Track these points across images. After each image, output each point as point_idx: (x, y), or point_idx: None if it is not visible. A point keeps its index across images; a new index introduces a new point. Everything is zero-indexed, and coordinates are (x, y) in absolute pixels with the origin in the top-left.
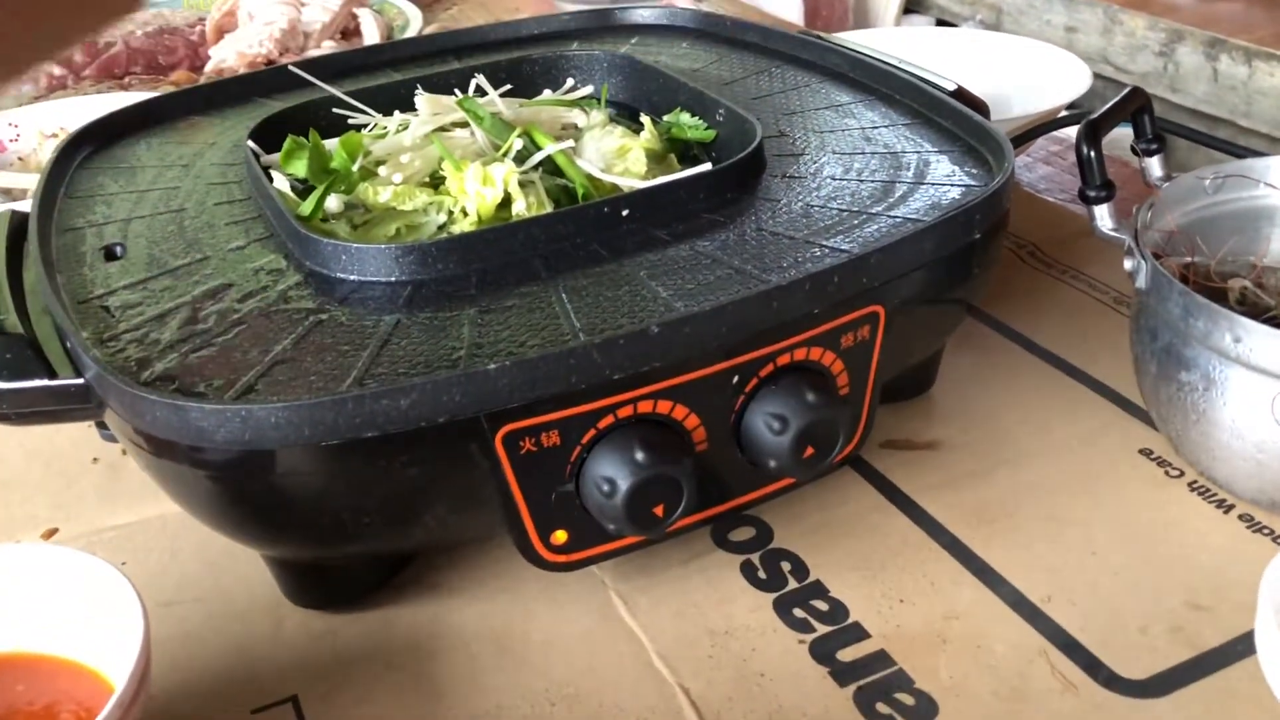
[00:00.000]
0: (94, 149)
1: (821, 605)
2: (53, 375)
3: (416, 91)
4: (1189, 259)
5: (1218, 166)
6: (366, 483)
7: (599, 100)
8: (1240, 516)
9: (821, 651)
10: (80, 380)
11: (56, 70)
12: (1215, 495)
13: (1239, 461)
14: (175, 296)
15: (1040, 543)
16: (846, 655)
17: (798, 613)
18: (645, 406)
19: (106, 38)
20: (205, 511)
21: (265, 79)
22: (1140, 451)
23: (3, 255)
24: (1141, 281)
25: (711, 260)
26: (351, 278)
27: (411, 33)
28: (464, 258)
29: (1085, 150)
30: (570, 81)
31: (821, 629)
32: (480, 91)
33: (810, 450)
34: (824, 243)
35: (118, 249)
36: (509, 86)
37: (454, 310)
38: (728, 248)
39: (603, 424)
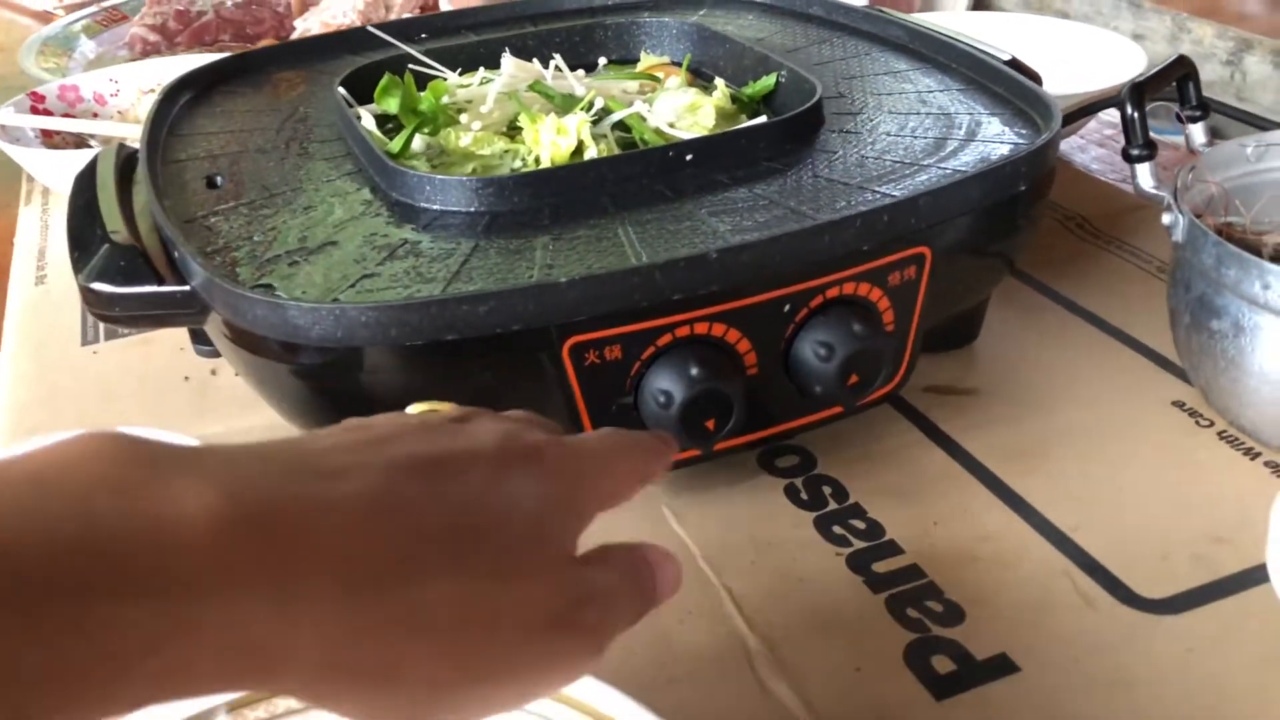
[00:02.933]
0: (194, 95)
1: (859, 524)
2: (161, 281)
3: (503, 52)
4: (1227, 219)
5: (1260, 135)
6: (444, 384)
7: (680, 66)
8: (1266, 463)
9: (858, 563)
10: (186, 286)
11: (151, 36)
12: (1243, 444)
13: (1265, 407)
14: (271, 219)
15: (1070, 479)
16: (881, 567)
17: (836, 529)
18: (701, 328)
19: (199, 6)
20: (295, 409)
21: (351, 37)
22: (1173, 403)
23: (114, 180)
24: (1178, 235)
25: (768, 202)
26: (434, 207)
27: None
28: (538, 192)
29: (1130, 111)
30: (644, 48)
31: (858, 544)
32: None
33: (854, 379)
34: (876, 189)
35: (218, 179)
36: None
37: (527, 238)
38: (784, 191)
39: (661, 341)
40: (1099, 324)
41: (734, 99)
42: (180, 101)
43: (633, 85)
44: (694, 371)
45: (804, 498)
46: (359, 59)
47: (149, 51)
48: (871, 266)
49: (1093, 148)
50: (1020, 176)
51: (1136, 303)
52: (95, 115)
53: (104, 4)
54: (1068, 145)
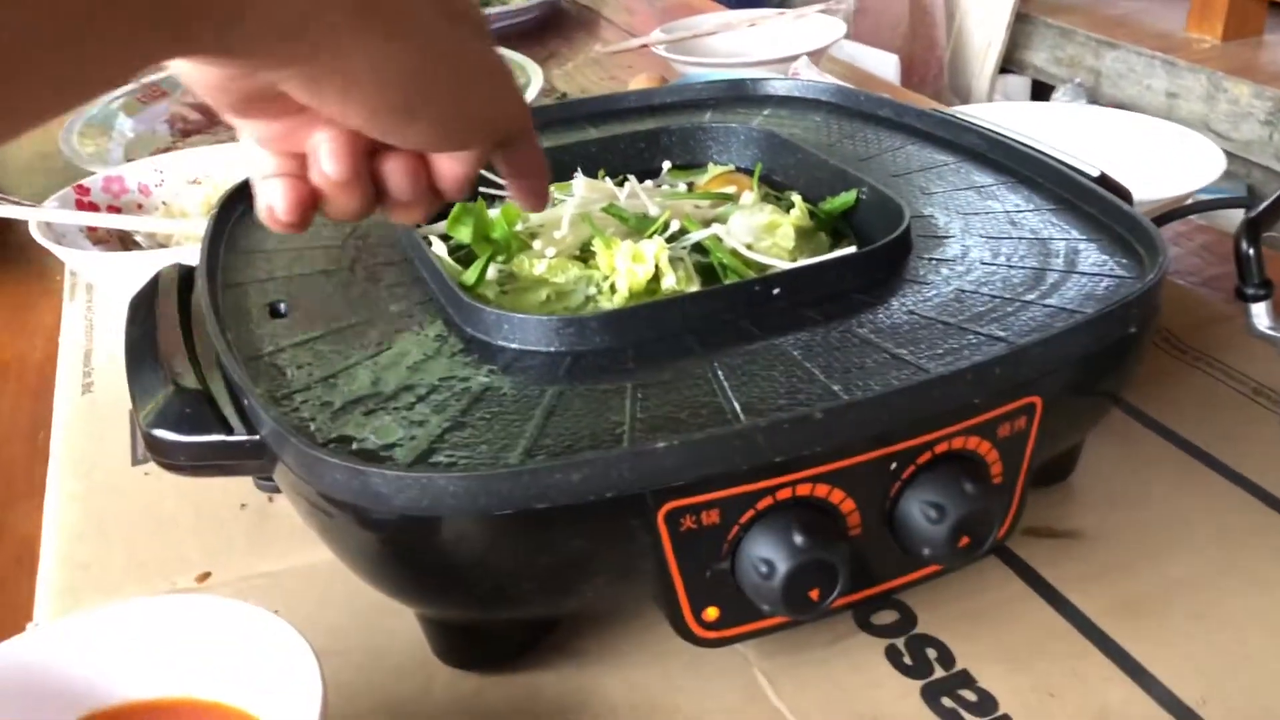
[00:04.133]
0: (249, 205)
1: (970, 695)
2: (228, 430)
3: (575, 172)
4: None
5: None
6: (532, 552)
7: (750, 174)
8: None
9: None
10: (255, 436)
11: (191, 115)
12: None
13: None
14: (344, 358)
15: (1191, 641)
16: None
17: (946, 702)
18: (804, 490)
19: None
20: (370, 571)
21: None
22: None
23: (175, 306)
24: None
25: (863, 342)
26: (513, 346)
27: (532, 91)
28: (621, 331)
29: (1244, 247)
30: (711, 155)
31: None
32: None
33: (965, 540)
34: (979, 329)
35: (281, 306)
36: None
37: (613, 383)
38: (880, 331)
39: (762, 505)
40: (1200, 456)
41: (811, 215)
42: (236, 214)
43: (704, 201)
44: (797, 539)
45: (908, 662)
46: None
47: (189, 131)
48: (982, 420)
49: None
50: (1131, 318)
51: (1237, 431)
52: (140, 207)
53: (142, 80)
54: None
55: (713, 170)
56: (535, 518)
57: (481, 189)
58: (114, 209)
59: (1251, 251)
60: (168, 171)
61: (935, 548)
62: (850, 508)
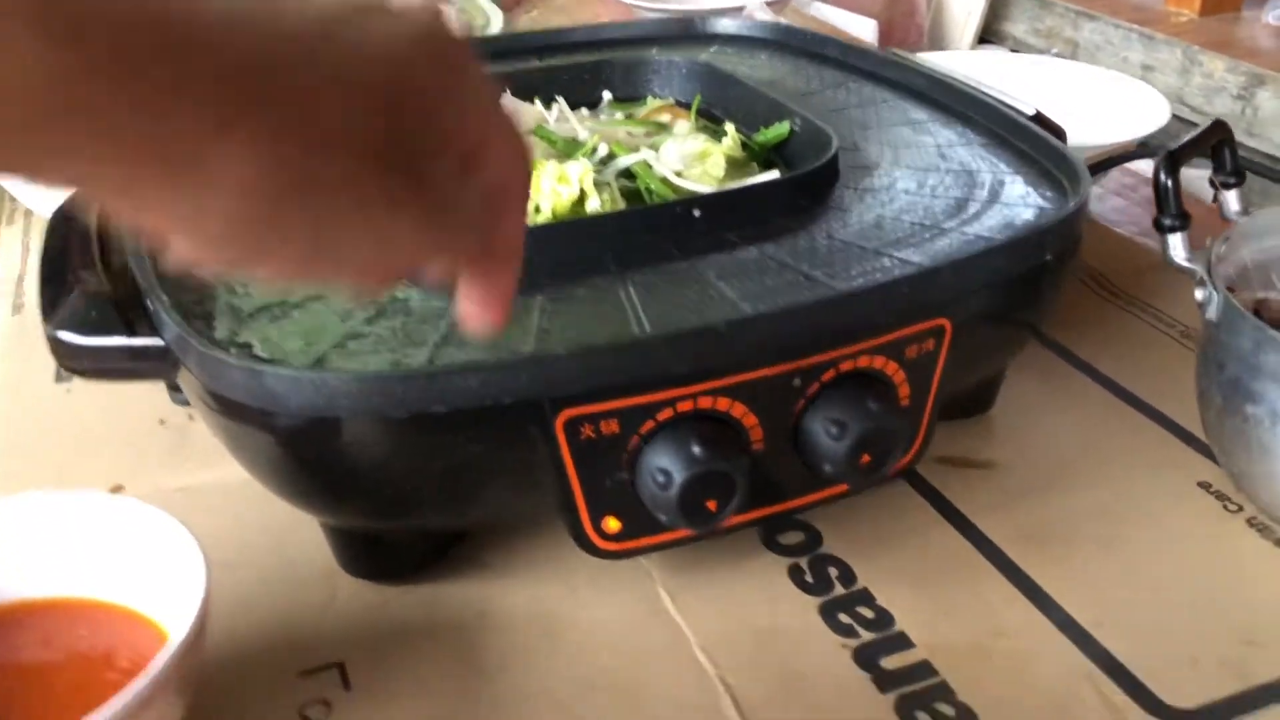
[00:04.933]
0: None
1: (868, 612)
2: (132, 334)
3: (503, 93)
4: (1262, 294)
5: None
6: (429, 457)
7: (689, 108)
8: None
9: (865, 658)
10: (159, 340)
11: None
12: (1274, 533)
13: None
14: None
15: (1093, 568)
16: (890, 663)
17: (843, 618)
18: (705, 402)
19: None
20: (269, 475)
21: None
22: (1199, 484)
23: (95, 222)
24: (1212, 313)
25: (780, 265)
26: None
27: (492, 33)
28: (538, 247)
29: (1164, 179)
30: (652, 88)
31: (866, 635)
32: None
33: (866, 458)
34: (894, 254)
35: None
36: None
37: (524, 296)
38: (797, 253)
39: (662, 416)
40: (1121, 394)
41: (744, 146)
42: None
43: (639, 129)
44: (695, 450)
45: (809, 580)
46: None
47: None
48: (888, 340)
49: (1111, 198)
50: (1047, 246)
51: (1161, 372)
52: None
53: None
54: None
55: (651, 103)
56: (432, 422)
57: None
58: None
59: (1169, 183)
60: None
61: (836, 464)
62: (753, 422)
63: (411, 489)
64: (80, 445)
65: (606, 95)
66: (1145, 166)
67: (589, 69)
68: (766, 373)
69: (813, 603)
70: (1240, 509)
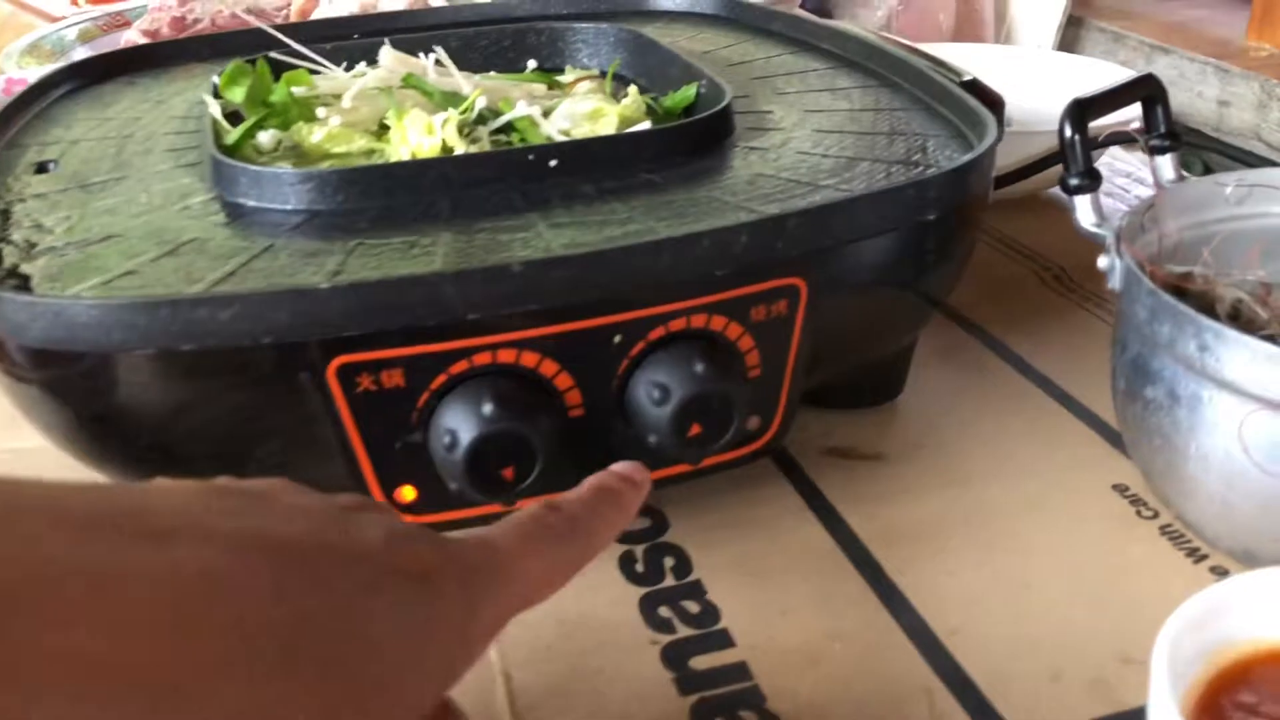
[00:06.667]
0: (87, 82)
1: (693, 607)
2: None
3: (383, 44)
4: (1190, 269)
5: (1243, 173)
6: (186, 403)
7: (605, 75)
8: (1212, 568)
9: (673, 656)
10: None
11: (142, 40)
12: (1188, 542)
13: (1206, 499)
14: (73, 207)
15: (968, 571)
16: (701, 663)
17: (663, 611)
18: (507, 356)
19: (196, 14)
20: (32, 419)
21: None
22: (1114, 487)
23: None
24: (1115, 282)
25: (628, 218)
26: (250, 203)
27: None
28: (365, 191)
29: (1069, 133)
30: (578, 56)
31: (683, 631)
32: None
33: (697, 428)
34: (755, 207)
35: (50, 165)
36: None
37: (334, 241)
38: (652, 207)
39: (456, 369)
40: (1053, 391)
41: (652, 111)
42: (66, 88)
43: (540, 89)
44: (486, 409)
45: (639, 569)
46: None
47: None
48: (727, 297)
49: None
50: (928, 203)
51: (1099, 368)
52: None
53: (110, 9)
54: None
55: (571, 72)
56: (181, 361)
57: (273, 54)
58: None
59: (1076, 138)
60: None
61: (660, 434)
62: (568, 383)
63: (173, 441)
64: None
65: (531, 64)
66: (1125, 163)
67: (510, 37)
68: (578, 326)
69: (636, 593)
70: (1156, 515)
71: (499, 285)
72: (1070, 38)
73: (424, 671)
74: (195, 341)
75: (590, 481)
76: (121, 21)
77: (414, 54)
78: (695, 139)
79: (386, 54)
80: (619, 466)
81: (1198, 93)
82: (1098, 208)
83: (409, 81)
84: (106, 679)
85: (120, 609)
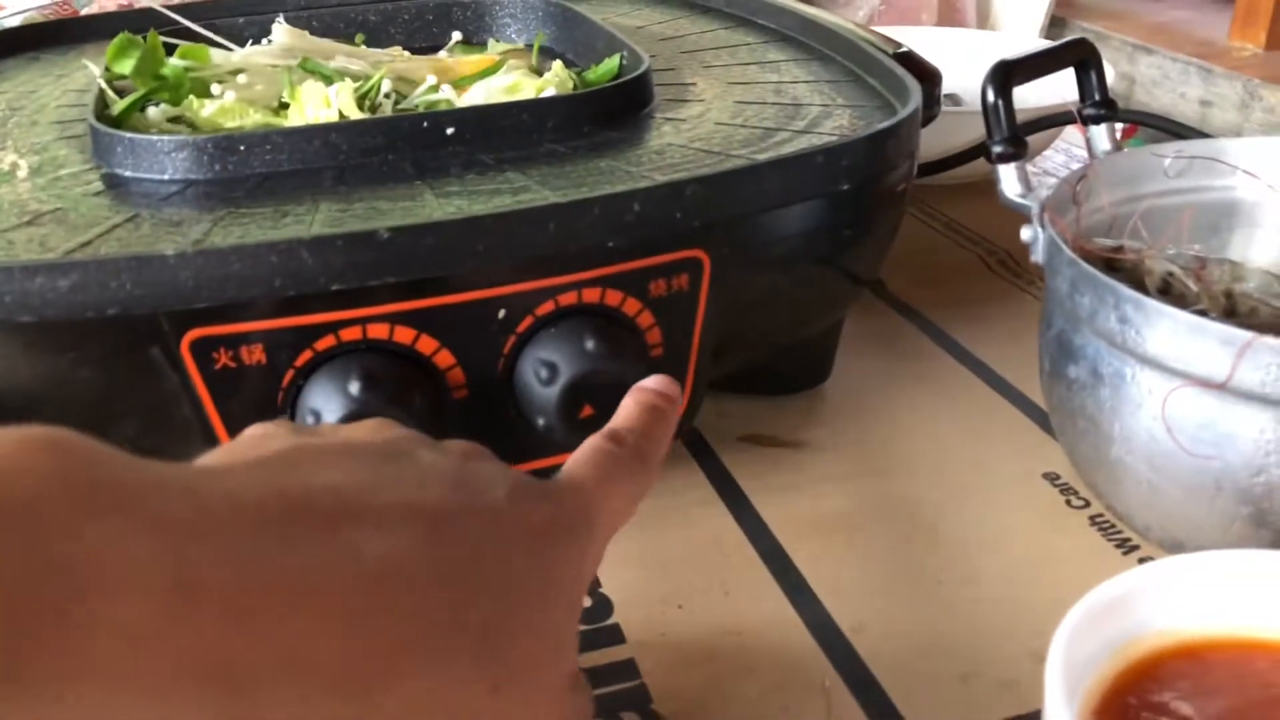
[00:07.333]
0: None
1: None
2: None
3: (276, 21)
4: (1121, 243)
5: (1181, 144)
6: (33, 378)
7: (530, 50)
8: (1141, 560)
9: None
10: None
11: None
12: (1119, 533)
13: (1132, 485)
14: None
15: (881, 564)
16: (588, 660)
17: None
18: (378, 331)
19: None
20: None
21: (192, 9)
22: (1044, 475)
23: None
24: (1038, 254)
25: (521, 187)
26: (126, 173)
27: None
28: (244, 160)
29: (992, 98)
30: (503, 31)
31: None
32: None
33: (589, 410)
34: (657, 176)
35: None
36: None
37: (204, 211)
38: (547, 176)
39: (321, 345)
40: (989, 377)
41: (576, 85)
42: None
43: (454, 63)
44: (352, 388)
45: None
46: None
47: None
48: (622, 269)
49: (1053, 179)
50: (840, 172)
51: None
52: None
53: None
54: None
55: (494, 46)
56: (22, 334)
57: (164, 37)
58: None
59: (1000, 102)
60: None
61: (549, 416)
62: (449, 362)
63: (27, 421)
64: None
65: (456, 37)
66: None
67: (432, 9)
68: (456, 299)
69: None
70: (1087, 504)
71: (363, 253)
72: (1054, 37)
73: (559, 628)
74: (33, 313)
75: (639, 402)
76: (70, 12)
77: (326, 33)
78: (603, 108)
79: (280, 30)
80: (654, 382)
81: (1181, 93)
82: (1024, 178)
83: (306, 66)
84: (313, 680)
85: (318, 608)
